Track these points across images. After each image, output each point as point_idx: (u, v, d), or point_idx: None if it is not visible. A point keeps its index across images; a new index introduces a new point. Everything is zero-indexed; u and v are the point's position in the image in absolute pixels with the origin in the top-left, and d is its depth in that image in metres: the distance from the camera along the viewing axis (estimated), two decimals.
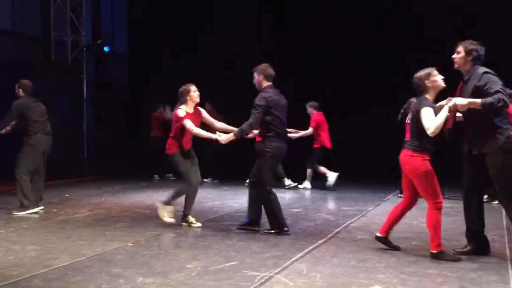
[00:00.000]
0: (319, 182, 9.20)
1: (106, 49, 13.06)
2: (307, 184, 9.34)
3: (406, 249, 4.77)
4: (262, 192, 5.41)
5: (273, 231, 5.40)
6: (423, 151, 4.44)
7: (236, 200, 7.87)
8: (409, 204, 4.71)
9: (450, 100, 4.37)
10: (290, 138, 8.82)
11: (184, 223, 5.78)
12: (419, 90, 4.54)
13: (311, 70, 12.09)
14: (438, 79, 4.51)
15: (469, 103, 4.27)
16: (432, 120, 4.30)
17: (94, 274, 3.96)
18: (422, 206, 7.31)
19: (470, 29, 6.74)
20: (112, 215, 6.49)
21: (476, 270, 4.04)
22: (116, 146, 12.76)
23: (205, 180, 10.31)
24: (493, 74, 4.41)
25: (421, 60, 5.58)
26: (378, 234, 4.78)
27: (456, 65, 4.60)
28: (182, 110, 5.74)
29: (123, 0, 14.12)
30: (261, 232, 5.44)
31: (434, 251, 4.41)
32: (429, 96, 4.49)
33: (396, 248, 4.71)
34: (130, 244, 4.92)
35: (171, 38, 13.17)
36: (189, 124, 5.67)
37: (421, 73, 4.54)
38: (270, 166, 5.43)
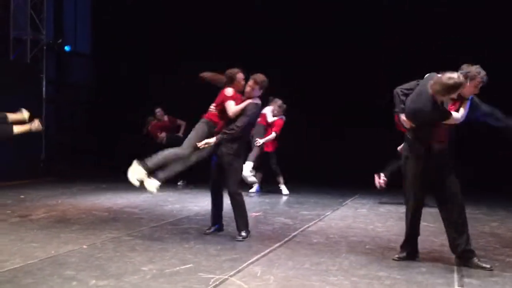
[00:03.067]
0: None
1: (67, 48, 12.82)
2: (284, 188, 9.23)
3: (359, 253, 4.88)
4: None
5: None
6: None
7: (196, 203, 7.86)
8: None
9: None
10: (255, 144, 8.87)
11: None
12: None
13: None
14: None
15: None
16: None
17: (46, 276, 3.91)
18: (379, 212, 7.57)
19: None
20: (68, 217, 6.38)
21: (424, 273, 4.18)
22: (76, 148, 12.52)
23: (179, 183, 10.12)
24: None
25: None
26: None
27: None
28: (230, 89, 5.43)
29: None
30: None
31: None
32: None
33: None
34: (85, 246, 4.87)
35: (137, 39, 13.00)
36: (232, 104, 5.34)
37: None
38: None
